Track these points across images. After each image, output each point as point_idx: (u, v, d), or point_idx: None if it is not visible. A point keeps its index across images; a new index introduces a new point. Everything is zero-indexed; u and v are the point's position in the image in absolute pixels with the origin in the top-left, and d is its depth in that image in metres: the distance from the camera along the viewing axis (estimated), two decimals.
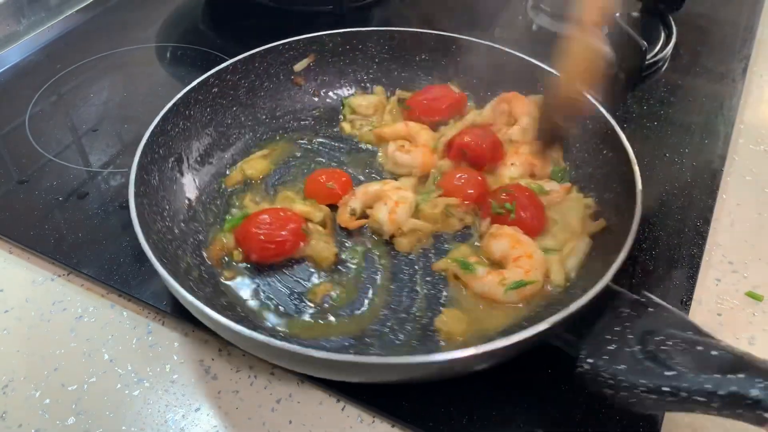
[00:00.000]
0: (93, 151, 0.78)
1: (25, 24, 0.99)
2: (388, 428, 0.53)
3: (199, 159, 0.71)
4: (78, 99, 0.86)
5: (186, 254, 0.62)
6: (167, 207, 0.64)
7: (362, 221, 0.66)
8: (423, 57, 0.80)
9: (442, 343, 0.57)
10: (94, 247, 0.66)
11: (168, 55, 0.96)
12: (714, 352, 0.44)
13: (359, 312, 0.60)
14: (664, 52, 0.88)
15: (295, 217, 0.65)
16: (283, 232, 0.63)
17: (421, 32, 0.79)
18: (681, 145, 0.77)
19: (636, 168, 0.60)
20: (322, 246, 0.64)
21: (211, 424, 0.53)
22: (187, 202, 0.67)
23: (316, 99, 0.81)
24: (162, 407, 0.55)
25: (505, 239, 0.62)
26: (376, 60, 0.81)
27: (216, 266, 0.62)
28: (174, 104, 0.68)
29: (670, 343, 0.47)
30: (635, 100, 0.83)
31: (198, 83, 0.71)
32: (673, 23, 0.93)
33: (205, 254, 0.63)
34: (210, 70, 0.74)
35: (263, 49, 0.76)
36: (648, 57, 0.86)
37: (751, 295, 0.63)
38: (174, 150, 0.68)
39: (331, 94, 0.81)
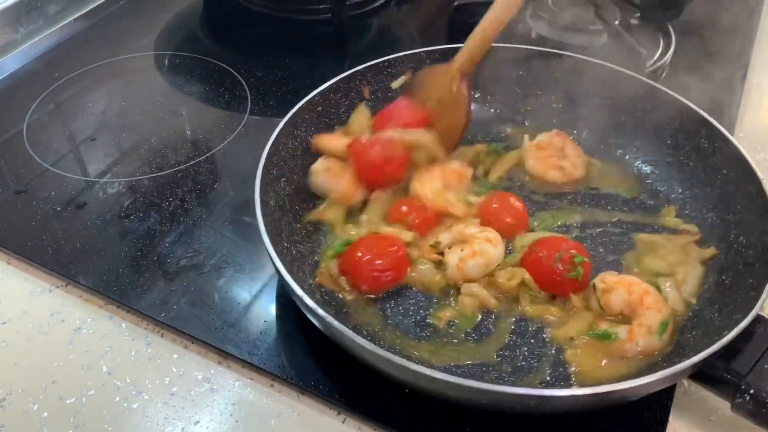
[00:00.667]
0: (91, 161, 0.77)
1: (23, 32, 0.98)
2: None
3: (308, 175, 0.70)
4: (76, 108, 0.85)
5: (306, 275, 0.61)
6: (284, 227, 0.63)
7: (440, 257, 0.63)
8: (520, 73, 0.78)
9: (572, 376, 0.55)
10: (93, 258, 0.65)
11: (166, 63, 0.96)
12: None
13: (486, 337, 0.58)
14: (663, 59, 0.88)
15: (399, 243, 0.62)
16: (391, 260, 0.61)
17: (516, 47, 0.77)
18: None
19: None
20: (430, 270, 0.62)
21: None
22: (299, 223, 0.66)
23: None
24: (161, 420, 0.54)
25: (620, 288, 0.58)
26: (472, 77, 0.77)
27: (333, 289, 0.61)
28: (283, 126, 0.67)
29: None
30: None
31: (304, 103, 0.70)
32: (672, 31, 0.92)
33: (318, 280, 0.62)
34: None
35: (363, 67, 0.75)
36: (648, 64, 0.86)
37: None
38: (285, 170, 0.67)
39: None
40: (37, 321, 0.61)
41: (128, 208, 0.71)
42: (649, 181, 0.72)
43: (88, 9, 1.06)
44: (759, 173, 0.61)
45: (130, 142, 0.80)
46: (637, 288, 0.58)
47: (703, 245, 0.64)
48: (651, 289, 0.58)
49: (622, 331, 0.56)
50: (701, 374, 0.51)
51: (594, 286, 0.58)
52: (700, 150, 0.68)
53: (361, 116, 0.75)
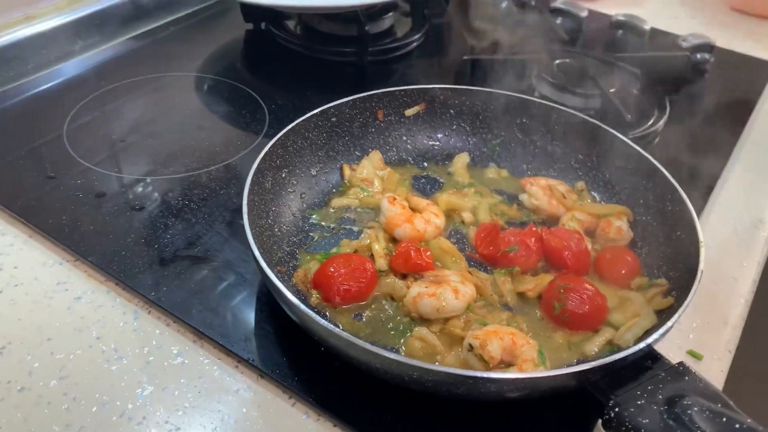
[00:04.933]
0: (117, 159, 0.86)
1: (81, 44, 1.10)
2: None
3: (310, 176, 0.79)
4: (113, 113, 0.95)
5: (280, 251, 0.70)
6: (273, 209, 0.72)
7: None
8: (522, 120, 0.85)
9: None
10: (101, 240, 0.73)
11: (205, 86, 1.05)
12: (737, 426, 0.48)
13: None
14: (654, 128, 0.94)
15: (368, 261, 0.69)
16: (362, 277, 0.67)
17: (527, 99, 0.84)
18: None
19: (702, 251, 0.64)
20: (397, 284, 0.68)
21: (175, 404, 0.59)
22: (290, 211, 0.75)
23: (428, 141, 0.87)
24: (134, 383, 0.61)
25: (492, 337, 0.61)
26: (480, 117, 0.86)
27: (302, 288, 0.68)
28: (296, 124, 0.76)
29: (696, 408, 0.50)
30: None
31: (320, 111, 0.79)
32: (668, 105, 0.98)
33: (293, 279, 0.68)
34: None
35: (381, 92, 0.83)
36: (637, 130, 0.92)
37: (692, 354, 0.67)
38: (289, 163, 0.76)
39: (436, 141, 0.88)
40: (44, 287, 0.69)
41: (141, 202, 0.79)
42: None
43: (142, 30, 1.17)
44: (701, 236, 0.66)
45: (155, 147, 0.89)
46: (504, 331, 0.61)
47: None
48: (513, 329, 0.62)
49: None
50: (584, 390, 0.55)
51: (470, 345, 0.61)
52: (665, 213, 0.73)
53: (373, 158, 0.83)
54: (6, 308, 0.67)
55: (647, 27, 1.16)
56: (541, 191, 0.78)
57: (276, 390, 0.61)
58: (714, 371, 0.67)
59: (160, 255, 0.72)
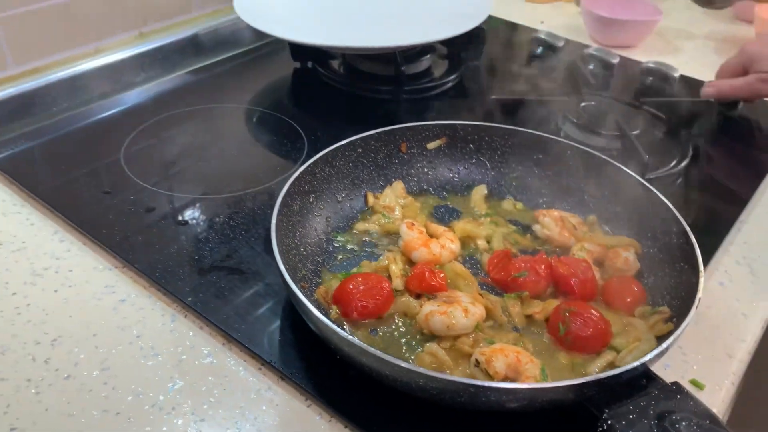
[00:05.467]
0: (167, 178, 0.94)
1: (143, 76, 1.20)
2: None
3: (335, 201, 0.85)
4: (167, 137, 1.04)
5: (304, 268, 0.75)
6: (300, 230, 0.78)
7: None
8: (539, 156, 0.90)
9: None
10: (148, 249, 0.81)
11: (254, 118, 1.13)
12: None
13: None
14: (674, 170, 0.97)
15: (385, 280, 0.73)
16: (378, 295, 0.71)
17: (539, 135, 0.89)
18: None
19: (701, 279, 0.67)
20: (411, 303, 0.73)
21: (201, 398, 0.65)
22: (315, 233, 0.81)
23: (449, 173, 0.93)
24: (166, 377, 0.67)
25: (498, 354, 0.65)
26: (498, 152, 0.92)
27: (323, 304, 0.72)
28: (324, 153, 0.82)
29: (685, 423, 0.53)
30: None
31: (347, 142, 0.85)
32: (691, 148, 1.02)
33: (315, 294, 0.73)
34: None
35: (405, 126, 0.89)
36: (659, 171, 0.95)
37: (694, 383, 0.69)
38: (316, 189, 0.82)
39: (456, 174, 0.93)
40: (94, 289, 0.77)
41: (186, 217, 0.87)
42: None
43: (199, 65, 1.27)
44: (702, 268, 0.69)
45: (203, 170, 0.97)
46: (509, 349, 0.65)
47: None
48: (519, 348, 0.66)
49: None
50: (581, 404, 0.58)
51: (477, 360, 0.65)
52: (670, 246, 0.76)
53: (395, 188, 0.89)
54: (59, 306, 0.74)
55: (677, 74, 1.20)
56: (553, 222, 0.82)
57: (294, 392, 0.66)
58: (715, 400, 0.69)
59: (199, 265, 0.79)
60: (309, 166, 0.80)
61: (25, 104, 1.07)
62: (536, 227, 0.84)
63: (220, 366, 0.68)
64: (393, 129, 0.88)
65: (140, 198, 0.90)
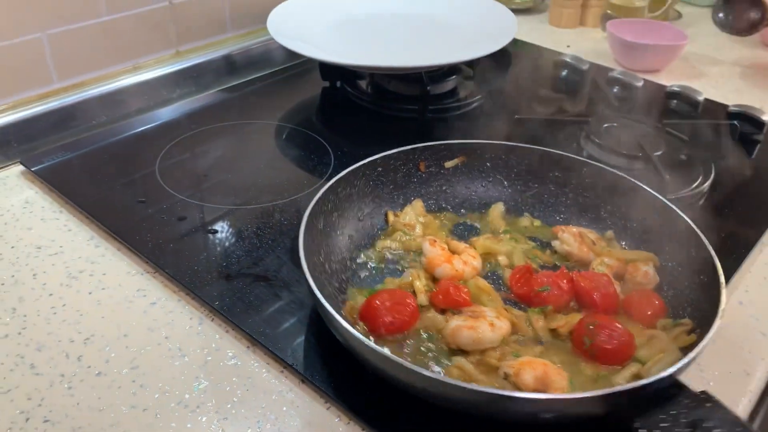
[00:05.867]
0: (199, 189, 0.98)
1: (178, 93, 1.25)
2: None
3: (357, 220, 0.88)
4: (199, 151, 1.08)
5: (330, 285, 0.77)
6: (325, 248, 0.80)
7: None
8: (556, 174, 0.92)
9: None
10: (178, 256, 0.84)
11: (284, 134, 1.17)
12: None
13: None
14: (698, 190, 0.98)
15: (410, 296, 0.75)
16: (404, 310, 0.73)
17: (554, 152, 0.91)
18: None
19: (724, 291, 0.68)
20: (437, 318, 0.75)
21: (225, 398, 0.67)
22: (339, 251, 0.83)
23: (466, 191, 0.95)
24: (192, 377, 0.70)
25: (526, 367, 0.66)
26: (515, 170, 0.94)
27: (350, 320, 0.73)
28: (345, 174, 0.85)
29: (718, 431, 0.55)
30: None
31: (367, 162, 0.87)
32: (713, 170, 1.02)
33: (342, 311, 0.75)
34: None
35: (423, 145, 0.92)
36: (682, 191, 0.96)
37: None
38: (338, 207, 0.85)
39: (473, 191, 0.95)
40: (126, 292, 0.80)
41: (215, 226, 0.90)
42: None
43: (232, 84, 1.32)
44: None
45: (233, 182, 1.00)
46: (537, 362, 0.67)
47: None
48: (545, 361, 0.67)
49: None
50: (611, 416, 0.59)
51: (505, 374, 0.66)
52: (690, 259, 0.77)
53: (415, 206, 0.91)
54: (93, 307, 0.78)
55: (701, 98, 1.21)
56: (572, 237, 0.83)
57: (314, 394, 0.68)
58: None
59: (227, 271, 0.82)
60: (332, 185, 0.83)
61: (66, 117, 1.12)
62: (555, 243, 0.85)
63: (244, 368, 0.71)
64: (412, 148, 0.90)
65: (173, 207, 0.93)
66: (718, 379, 0.73)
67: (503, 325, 0.72)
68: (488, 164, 0.94)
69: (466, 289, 0.77)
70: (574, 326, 0.73)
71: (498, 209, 0.92)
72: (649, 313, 0.75)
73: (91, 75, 1.16)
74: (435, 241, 0.83)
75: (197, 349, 0.73)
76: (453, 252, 0.83)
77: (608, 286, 0.77)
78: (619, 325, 0.71)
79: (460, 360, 0.69)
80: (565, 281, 0.78)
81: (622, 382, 0.67)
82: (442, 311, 0.76)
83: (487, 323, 0.71)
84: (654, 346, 0.71)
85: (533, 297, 0.77)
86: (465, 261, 0.81)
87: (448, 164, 0.94)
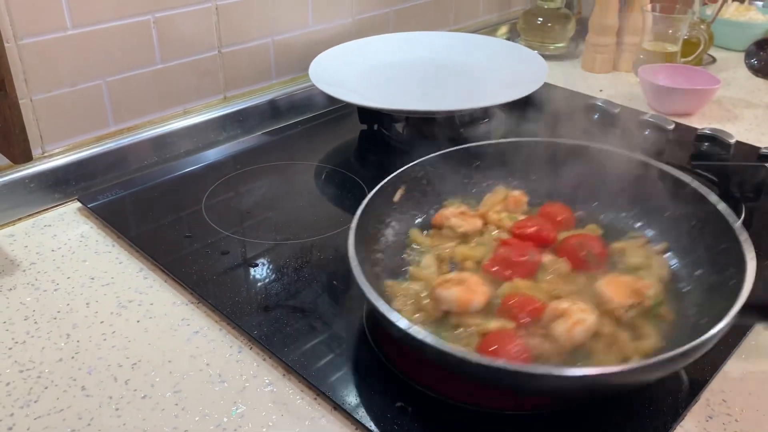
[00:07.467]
0: (242, 226, 1.03)
1: (225, 135, 1.32)
2: None
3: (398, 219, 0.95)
4: (243, 189, 1.14)
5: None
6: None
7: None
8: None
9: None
10: (221, 287, 0.89)
11: (323, 175, 1.22)
12: None
13: None
14: None
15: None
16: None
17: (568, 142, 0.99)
18: None
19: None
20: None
21: (261, 422, 0.71)
22: (380, 253, 0.89)
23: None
24: (230, 402, 0.73)
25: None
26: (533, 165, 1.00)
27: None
28: (364, 207, 0.90)
29: None
30: None
31: (409, 167, 0.98)
32: (744, 210, 1.03)
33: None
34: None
35: (447, 152, 1.00)
36: None
37: None
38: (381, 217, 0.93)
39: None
40: (171, 321, 0.85)
41: (256, 260, 0.95)
42: None
43: (276, 127, 1.38)
44: None
45: (273, 219, 1.05)
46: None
47: None
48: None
49: None
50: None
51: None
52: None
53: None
54: (141, 334, 0.83)
55: (732, 140, 1.22)
56: (457, 219, 0.94)
57: (345, 421, 0.71)
58: None
59: (266, 303, 0.86)
60: (368, 202, 0.90)
61: (120, 158, 1.19)
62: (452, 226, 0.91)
63: (280, 394, 0.75)
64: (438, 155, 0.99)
65: (217, 242, 0.99)
66: (744, 417, 0.74)
67: (586, 306, 0.74)
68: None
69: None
70: (567, 248, 0.84)
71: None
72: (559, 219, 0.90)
73: (144, 119, 1.24)
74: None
75: (236, 375, 0.77)
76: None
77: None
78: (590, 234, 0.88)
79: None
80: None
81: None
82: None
83: (579, 311, 0.73)
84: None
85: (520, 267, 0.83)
86: (472, 290, 0.79)
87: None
